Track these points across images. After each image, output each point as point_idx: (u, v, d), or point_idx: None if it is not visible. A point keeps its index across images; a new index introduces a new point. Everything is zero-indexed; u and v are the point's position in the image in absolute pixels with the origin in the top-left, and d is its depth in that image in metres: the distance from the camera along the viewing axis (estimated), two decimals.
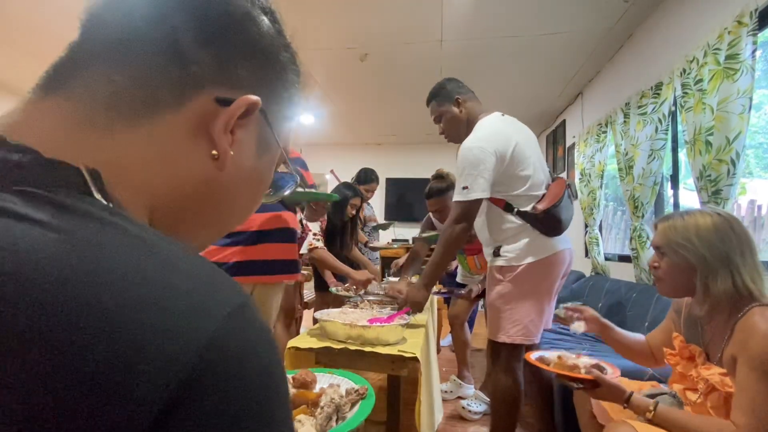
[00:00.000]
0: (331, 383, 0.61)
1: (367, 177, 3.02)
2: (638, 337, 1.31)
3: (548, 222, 1.49)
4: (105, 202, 0.25)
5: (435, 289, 2.32)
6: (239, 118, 0.31)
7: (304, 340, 1.39)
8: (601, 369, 1.13)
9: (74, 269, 0.19)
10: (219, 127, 0.30)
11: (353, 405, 0.58)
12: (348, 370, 0.98)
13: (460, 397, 2.32)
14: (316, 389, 0.64)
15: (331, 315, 1.44)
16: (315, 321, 1.56)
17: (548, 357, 1.22)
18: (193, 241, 0.34)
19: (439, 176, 2.26)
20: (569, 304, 1.42)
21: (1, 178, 0.22)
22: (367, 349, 1.27)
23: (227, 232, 0.37)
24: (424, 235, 2.43)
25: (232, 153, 0.32)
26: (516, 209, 1.50)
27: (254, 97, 0.31)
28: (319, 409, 0.56)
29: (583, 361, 1.16)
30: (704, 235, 0.99)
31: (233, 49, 0.31)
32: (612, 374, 1.13)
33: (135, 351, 0.18)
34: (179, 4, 0.29)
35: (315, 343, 1.33)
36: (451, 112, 1.63)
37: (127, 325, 0.18)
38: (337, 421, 0.57)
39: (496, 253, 1.54)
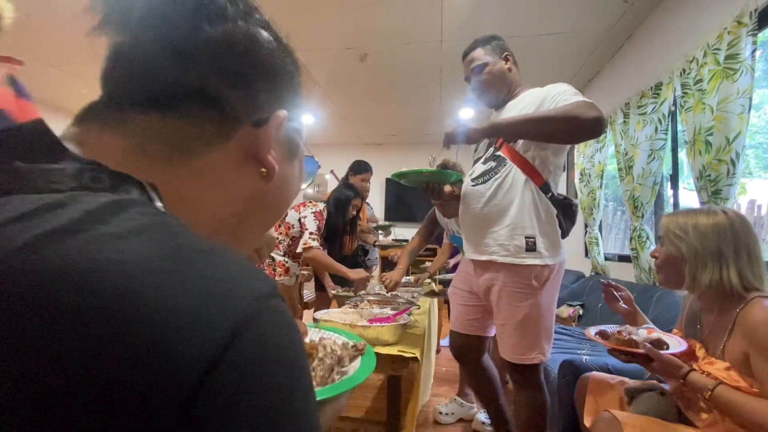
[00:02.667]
0: (323, 337, 0.58)
1: (360, 167, 2.91)
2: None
3: (570, 219, 1.36)
4: (163, 210, 0.28)
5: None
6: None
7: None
8: (662, 344, 1.08)
9: (127, 261, 0.21)
10: (264, 148, 0.35)
11: (352, 360, 0.55)
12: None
13: (462, 419, 2.13)
14: (306, 341, 0.62)
15: (331, 315, 1.44)
16: (315, 321, 1.56)
17: (608, 331, 1.18)
18: (249, 240, 0.40)
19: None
20: (608, 281, 1.41)
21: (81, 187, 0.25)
22: None
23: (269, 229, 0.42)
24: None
25: (277, 168, 0.36)
26: (551, 193, 1.30)
27: (283, 113, 0.36)
28: (317, 361, 0.53)
29: (644, 336, 1.10)
30: (701, 228, 1.03)
31: (253, 79, 0.35)
32: (678, 348, 1.07)
33: (170, 333, 0.19)
34: (196, 51, 0.32)
35: None
36: (499, 65, 1.43)
37: (163, 309, 0.20)
38: (338, 375, 0.54)
39: (530, 247, 1.26)
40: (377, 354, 1.25)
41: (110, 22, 0.32)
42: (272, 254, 2.29)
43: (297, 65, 0.40)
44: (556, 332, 2.32)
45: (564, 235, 1.35)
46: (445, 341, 3.29)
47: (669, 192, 2.51)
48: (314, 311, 2.96)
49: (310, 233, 2.19)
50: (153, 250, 0.22)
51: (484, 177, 1.38)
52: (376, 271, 4.85)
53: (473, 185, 1.41)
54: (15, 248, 0.19)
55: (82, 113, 0.33)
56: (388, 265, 3.26)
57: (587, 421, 1.25)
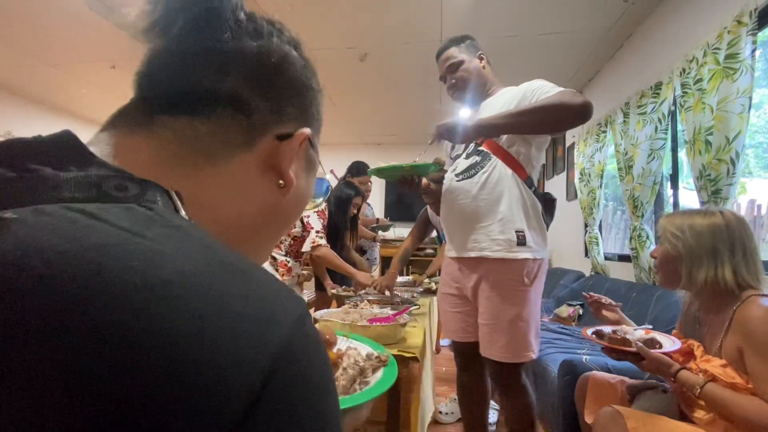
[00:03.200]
0: (349, 346, 0.59)
1: (359, 169, 2.87)
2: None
3: (551, 215, 1.37)
4: (188, 219, 0.28)
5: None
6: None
7: None
8: (655, 343, 1.12)
9: (171, 281, 0.20)
10: (285, 161, 0.36)
11: (374, 371, 0.56)
12: None
13: (461, 420, 2.03)
14: (334, 351, 0.62)
15: (331, 315, 1.44)
16: (315, 321, 1.56)
17: (605, 331, 1.21)
18: (256, 256, 0.40)
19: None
20: (590, 294, 1.42)
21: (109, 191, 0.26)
22: None
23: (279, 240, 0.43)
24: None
25: (294, 181, 0.37)
26: (534, 188, 1.31)
27: (307, 130, 0.38)
28: (341, 370, 0.54)
29: (637, 335, 1.15)
30: (697, 228, 1.05)
31: (282, 92, 0.37)
32: (672, 347, 1.10)
33: (218, 354, 0.19)
34: (233, 60, 0.34)
35: None
36: (474, 63, 1.43)
37: (211, 330, 0.19)
38: (360, 385, 0.55)
39: (521, 241, 1.25)
40: None
41: (156, 27, 0.33)
42: (273, 254, 2.28)
43: (319, 87, 0.42)
44: (555, 332, 2.33)
45: (547, 227, 1.36)
46: (445, 341, 3.30)
47: (669, 192, 2.51)
48: (314, 311, 2.96)
49: (317, 231, 2.19)
50: (197, 266, 0.21)
51: (469, 171, 1.35)
52: (376, 270, 4.85)
53: (458, 180, 1.37)
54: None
55: (112, 118, 0.34)
56: (388, 264, 3.26)
57: (589, 420, 1.25)
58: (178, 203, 0.29)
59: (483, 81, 1.43)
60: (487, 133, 1.26)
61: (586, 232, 3.32)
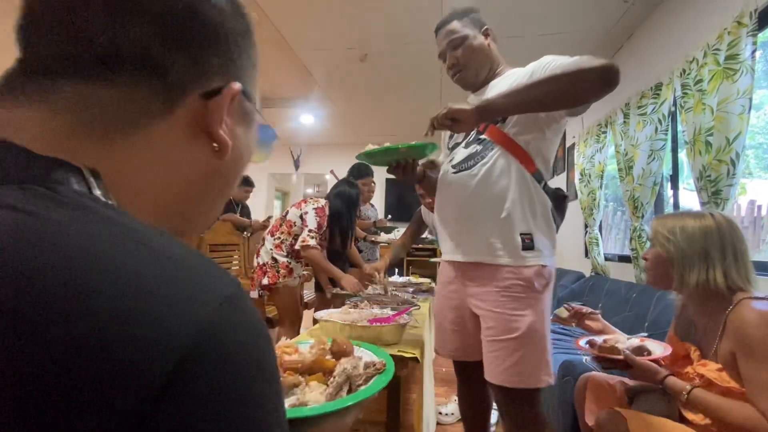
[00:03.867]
0: (358, 355, 0.59)
1: (360, 171, 2.87)
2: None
3: (561, 215, 1.17)
4: (105, 200, 0.26)
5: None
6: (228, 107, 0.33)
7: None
8: (643, 351, 1.13)
9: (75, 259, 0.20)
10: (216, 122, 0.32)
11: (369, 379, 0.56)
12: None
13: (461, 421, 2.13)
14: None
15: (331, 315, 1.44)
16: (315, 321, 1.56)
17: (597, 341, 1.22)
18: (201, 221, 0.37)
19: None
20: (574, 304, 1.43)
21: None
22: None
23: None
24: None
25: (231, 143, 0.34)
26: (544, 182, 1.11)
27: (237, 86, 0.33)
28: (331, 378, 0.55)
29: (628, 344, 1.16)
30: (688, 231, 1.05)
31: (200, 43, 0.31)
32: (662, 353, 1.12)
33: (130, 337, 0.19)
34: (134, 7, 0.28)
35: None
36: (478, 40, 1.23)
37: (124, 313, 0.19)
38: (349, 392, 0.55)
39: (528, 245, 1.06)
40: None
41: None
42: (275, 255, 2.27)
43: (250, 25, 0.36)
44: (555, 332, 2.32)
45: (557, 230, 1.17)
46: None
47: (669, 192, 2.51)
48: (314, 311, 2.95)
49: (309, 230, 2.18)
50: (105, 247, 0.21)
51: (468, 162, 1.16)
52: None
53: (455, 172, 1.19)
54: None
55: None
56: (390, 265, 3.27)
57: (589, 421, 1.25)
58: (92, 181, 0.26)
59: (488, 60, 1.25)
60: (490, 115, 1.04)
61: (586, 232, 3.32)
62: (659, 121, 2.31)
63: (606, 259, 3.14)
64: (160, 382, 0.18)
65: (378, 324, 1.30)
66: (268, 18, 2.76)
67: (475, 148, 1.16)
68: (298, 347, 0.64)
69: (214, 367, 0.20)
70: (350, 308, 1.66)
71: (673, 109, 2.28)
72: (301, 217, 2.29)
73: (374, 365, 0.58)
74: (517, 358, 1.02)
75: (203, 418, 0.19)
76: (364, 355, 0.60)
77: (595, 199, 3.16)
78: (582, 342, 1.24)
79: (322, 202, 2.32)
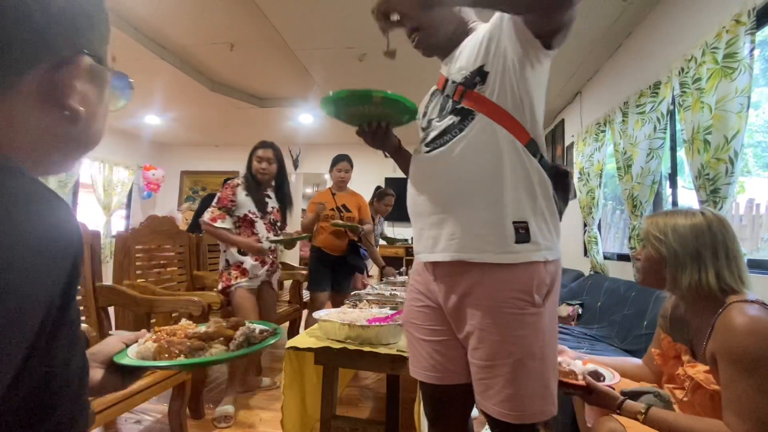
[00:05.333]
0: (247, 326, 0.72)
1: (382, 193, 3.52)
2: (630, 362, 1.32)
3: (563, 196, 0.93)
4: None
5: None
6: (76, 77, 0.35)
7: (303, 340, 1.39)
8: (599, 376, 1.13)
9: None
10: (64, 94, 0.34)
11: (263, 340, 0.69)
12: (348, 368, 0.96)
13: None
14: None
15: (330, 315, 1.44)
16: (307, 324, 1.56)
17: None
18: (58, 170, 0.39)
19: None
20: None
21: None
22: (366, 348, 1.27)
23: None
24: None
25: (82, 109, 0.35)
26: (540, 155, 0.87)
27: (84, 58, 0.35)
28: (233, 341, 0.67)
29: (582, 368, 1.15)
30: (680, 230, 1.04)
31: (40, 16, 0.31)
32: (612, 380, 1.13)
33: None
34: None
35: (314, 343, 1.34)
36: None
37: None
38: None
39: (522, 237, 0.82)
40: (376, 354, 1.24)
41: None
42: (227, 257, 2.17)
43: None
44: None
45: (560, 215, 0.92)
46: None
47: (668, 191, 2.52)
48: (306, 315, 2.91)
49: (210, 208, 2.16)
50: None
51: (443, 137, 0.92)
52: (373, 271, 4.85)
53: (428, 151, 0.95)
54: None
55: None
56: (388, 262, 3.27)
57: (589, 421, 1.25)
58: None
59: (453, 16, 1.05)
60: None
61: (585, 231, 3.32)
62: (658, 119, 2.31)
63: (605, 257, 3.14)
64: None
65: (377, 323, 1.30)
66: (266, 18, 2.76)
67: (452, 120, 0.92)
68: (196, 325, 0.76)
69: None
70: (349, 308, 1.66)
71: (671, 107, 2.28)
72: (283, 211, 2.40)
73: (266, 331, 0.70)
74: (514, 389, 0.82)
75: None
76: (257, 327, 0.71)
77: (594, 198, 3.16)
78: None
79: (239, 180, 2.24)
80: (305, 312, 3.01)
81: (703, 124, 1.79)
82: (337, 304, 2.63)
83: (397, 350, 1.21)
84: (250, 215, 2.18)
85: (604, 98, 3.23)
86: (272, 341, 0.69)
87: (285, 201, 2.39)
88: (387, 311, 1.54)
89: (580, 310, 2.77)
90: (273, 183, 2.36)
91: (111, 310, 1.86)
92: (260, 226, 2.21)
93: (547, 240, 0.84)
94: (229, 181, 2.21)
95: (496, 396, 0.84)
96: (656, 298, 2.08)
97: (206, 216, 2.12)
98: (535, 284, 0.82)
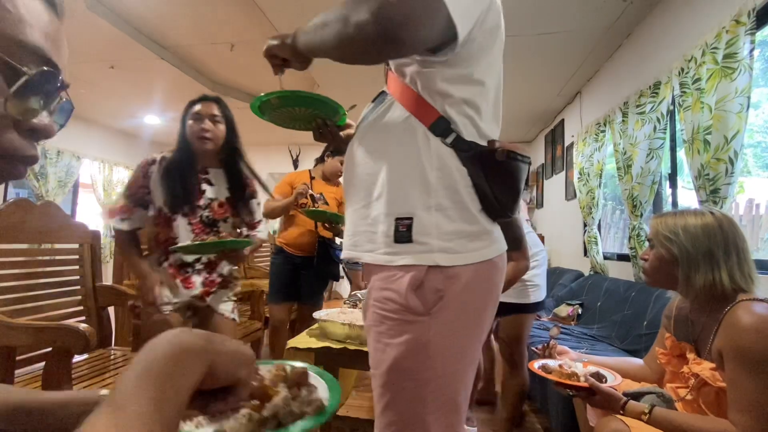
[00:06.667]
0: (285, 395, 0.49)
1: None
2: (631, 362, 1.31)
3: (502, 180, 0.71)
4: None
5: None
6: None
7: (303, 340, 1.39)
8: (600, 377, 1.13)
9: None
10: None
11: (302, 416, 0.47)
12: (348, 368, 0.95)
13: None
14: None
15: (330, 315, 1.44)
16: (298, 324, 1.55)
17: (551, 365, 1.20)
18: None
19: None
20: (554, 328, 1.41)
21: None
22: (366, 348, 1.27)
23: None
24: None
25: None
26: (455, 134, 0.70)
27: None
28: (261, 412, 0.46)
29: (583, 370, 1.15)
30: (691, 230, 1.03)
31: None
32: (614, 382, 1.13)
33: None
34: None
35: (314, 343, 1.34)
36: None
37: None
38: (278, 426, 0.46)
39: (402, 236, 0.69)
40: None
41: None
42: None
43: None
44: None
45: (496, 208, 0.72)
46: None
47: (668, 191, 2.52)
48: (270, 333, 2.38)
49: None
50: None
51: (358, 127, 0.85)
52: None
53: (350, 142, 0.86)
54: None
55: None
56: None
57: (591, 420, 1.25)
58: None
59: None
60: (298, 49, 0.82)
61: (585, 231, 3.32)
62: (658, 119, 2.31)
63: (605, 257, 3.14)
64: None
65: None
66: (266, 17, 2.76)
67: (370, 106, 0.84)
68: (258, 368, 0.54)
69: None
70: (349, 308, 1.66)
71: (671, 107, 2.28)
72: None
73: (314, 402, 0.48)
74: (384, 404, 0.69)
75: None
76: (320, 386, 0.51)
77: (594, 198, 3.16)
78: (536, 365, 1.22)
79: (155, 156, 1.50)
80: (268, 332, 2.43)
81: (703, 125, 1.79)
82: (305, 318, 2.12)
83: None
84: (165, 211, 1.43)
85: (604, 98, 3.24)
86: (303, 429, 0.46)
87: (240, 184, 1.54)
88: None
89: (579, 310, 2.78)
90: (219, 156, 1.52)
91: (111, 310, 1.86)
92: (181, 229, 1.43)
93: (439, 238, 0.68)
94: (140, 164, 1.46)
95: (376, 410, 0.71)
96: (656, 298, 2.08)
97: (119, 224, 1.42)
98: (412, 288, 0.68)
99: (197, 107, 1.47)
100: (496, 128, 0.78)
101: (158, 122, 5.39)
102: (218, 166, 1.53)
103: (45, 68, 0.32)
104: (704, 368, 0.99)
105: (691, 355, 1.06)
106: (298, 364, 0.55)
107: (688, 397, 1.04)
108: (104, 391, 0.50)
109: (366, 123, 0.80)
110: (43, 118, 0.34)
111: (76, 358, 1.46)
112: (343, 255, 0.81)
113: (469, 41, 0.67)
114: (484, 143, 0.72)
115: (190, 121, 1.46)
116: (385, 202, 0.72)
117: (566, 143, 4.21)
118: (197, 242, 1.39)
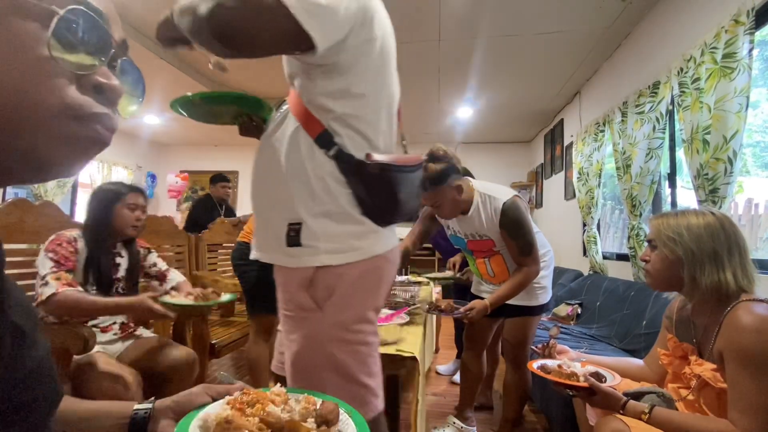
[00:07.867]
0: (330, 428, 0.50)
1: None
2: (631, 362, 1.31)
3: (379, 189, 0.79)
4: None
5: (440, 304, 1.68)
6: None
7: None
8: (600, 377, 1.12)
9: None
10: None
11: None
12: None
13: None
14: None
15: None
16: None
17: (550, 365, 1.19)
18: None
19: (434, 157, 1.55)
20: (553, 328, 1.40)
21: None
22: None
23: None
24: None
25: None
26: (338, 147, 0.77)
27: None
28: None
29: (582, 369, 1.14)
30: (694, 230, 1.02)
31: None
32: (613, 382, 1.12)
33: None
34: None
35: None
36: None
37: None
38: None
39: (294, 240, 0.76)
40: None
41: None
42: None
43: None
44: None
45: (377, 214, 0.80)
46: (443, 368, 3.20)
47: (667, 191, 2.52)
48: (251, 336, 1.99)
49: (42, 277, 1.33)
50: None
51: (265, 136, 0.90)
52: None
53: None
54: None
55: None
56: None
57: (591, 419, 1.25)
58: None
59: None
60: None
61: (585, 231, 3.32)
62: (657, 119, 2.31)
63: (604, 257, 3.15)
64: None
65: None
66: None
67: (275, 115, 0.89)
68: (288, 397, 0.56)
69: None
70: None
71: (670, 107, 2.28)
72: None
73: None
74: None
75: None
76: (348, 428, 0.51)
77: (593, 198, 3.17)
78: (535, 366, 1.21)
79: (68, 235, 1.46)
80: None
81: (702, 124, 1.79)
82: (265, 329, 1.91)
83: (397, 350, 1.21)
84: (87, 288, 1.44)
85: (604, 98, 3.24)
86: None
87: (135, 250, 1.64)
88: (386, 311, 1.54)
89: (579, 310, 2.78)
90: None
91: None
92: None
93: (331, 242, 0.76)
94: (58, 235, 1.43)
95: None
96: (655, 298, 2.08)
97: (53, 287, 1.30)
98: (302, 287, 0.76)
99: (131, 197, 1.57)
100: (391, 138, 0.86)
101: (157, 122, 5.39)
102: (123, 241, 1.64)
103: (75, 6, 0.29)
104: (706, 369, 0.99)
105: (692, 357, 1.06)
106: (327, 397, 0.57)
107: (690, 397, 1.03)
108: (137, 406, 0.53)
109: (266, 134, 0.86)
110: (104, 74, 0.32)
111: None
112: (252, 255, 0.86)
113: (342, 51, 0.72)
114: (377, 154, 0.78)
115: (125, 210, 1.55)
116: (279, 209, 0.79)
117: (565, 143, 4.21)
118: (191, 303, 1.49)
